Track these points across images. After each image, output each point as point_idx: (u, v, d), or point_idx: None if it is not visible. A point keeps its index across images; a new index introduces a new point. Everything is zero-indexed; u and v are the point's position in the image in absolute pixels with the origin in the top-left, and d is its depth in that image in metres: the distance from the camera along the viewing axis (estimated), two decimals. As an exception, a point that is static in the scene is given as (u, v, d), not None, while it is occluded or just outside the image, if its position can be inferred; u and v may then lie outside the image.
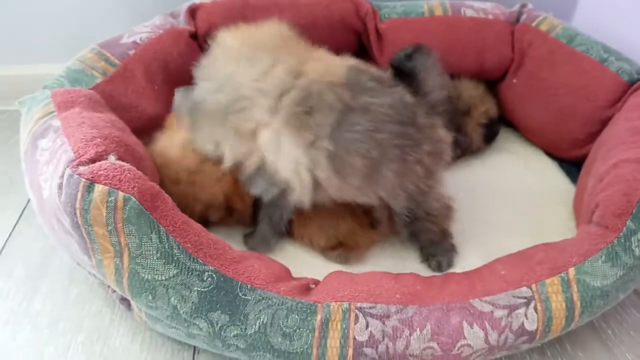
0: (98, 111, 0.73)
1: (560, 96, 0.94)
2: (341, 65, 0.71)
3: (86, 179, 0.56)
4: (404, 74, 0.73)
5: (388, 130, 0.67)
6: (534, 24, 0.98)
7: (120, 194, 0.57)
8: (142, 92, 0.88)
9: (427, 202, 0.74)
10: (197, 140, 0.75)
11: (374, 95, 0.68)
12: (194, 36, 0.96)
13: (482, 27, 0.99)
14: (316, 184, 0.70)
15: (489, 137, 0.99)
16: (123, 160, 0.63)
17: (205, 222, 0.74)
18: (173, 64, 0.91)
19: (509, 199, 0.92)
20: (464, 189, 0.93)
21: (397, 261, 0.81)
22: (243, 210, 0.80)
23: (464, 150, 0.97)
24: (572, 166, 0.97)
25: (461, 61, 1.00)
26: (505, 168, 0.99)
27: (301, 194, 0.70)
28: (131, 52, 0.88)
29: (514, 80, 1.00)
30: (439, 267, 0.79)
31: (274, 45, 0.72)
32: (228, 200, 0.78)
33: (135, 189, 0.57)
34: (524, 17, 1.00)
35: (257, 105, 0.68)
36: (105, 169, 0.57)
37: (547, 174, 0.97)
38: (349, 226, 0.79)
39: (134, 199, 0.57)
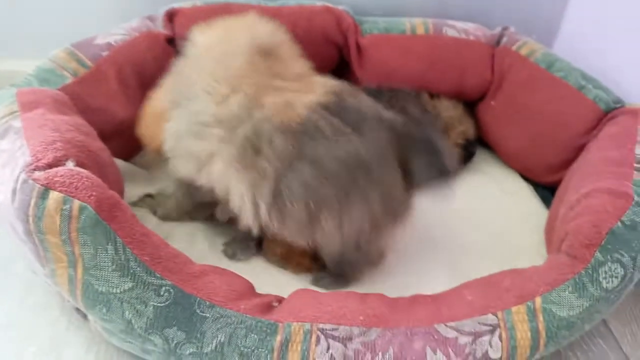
0: (64, 113, 0.70)
1: (537, 121, 0.94)
2: (304, 102, 0.67)
3: (41, 184, 0.54)
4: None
5: (333, 184, 0.65)
6: (514, 48, 0.98)
7: (76, 202, 0.54)
8: (114, 95, 0.86)
9: (362, 249, 0.72)
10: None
11: (326, 146, 0.64)
12: (171, 41, 0.94)
13: (463, 48, 0.99)
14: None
15: (466, 157, 0.99)
16: (84, 167, 0.61)
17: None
18: (147, 68, 0.89)
19: (482, 222, 0.91)
20: (437, 209, 0.93)
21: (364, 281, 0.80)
22: None
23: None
24: (547, 191, 0.97)
25: (441, 81, 0.99)
26: (481, 190, 0.98)
27: (248, 224, 0.69)
28: (104, 54, 0.86)
29: (493, 103, 1.00)
30: (325, 285, 0.77)
31: (242, 63, 0.68)
32: None
33: (93, 197, 0.55)
34: (504, 40, 1.00)
35: (212, 134, 0.66)
36: (61, 175, 0.55)
37: (522, 198, 0.97)
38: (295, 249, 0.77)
39: (90, 207, 0.55)
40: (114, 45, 0.87)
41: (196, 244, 0.81)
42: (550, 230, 0.82)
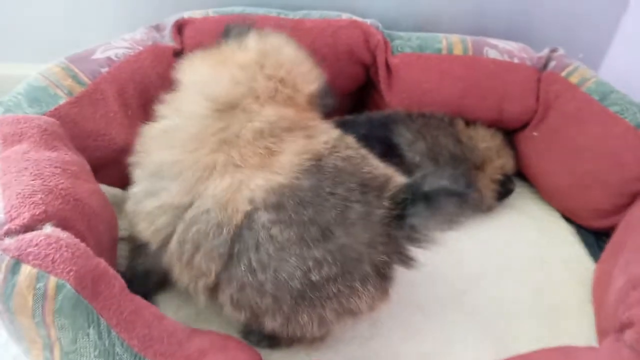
0: (51, 148, 0.61)
1: (586, 159, 0.83)
2: (251, 191, 0.55)
3: (11, 256, 0.45)
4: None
5: (274, 298, 0.55)
6: (563, 74, 0.87)
7: (52, 280, 0.45)
8: (113, 117, 0.77)
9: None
10: None
11: (268, 252, 0.53)
12: (179, 54, 0.84)
13: (505, 71, 0.88)
14: None
15: (502, 194, 0.89)
16: (67, 223, 0.52)
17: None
18: (152, 87, 0.80)
19: (519, 271, 0.81)
20: (469, 253, 0.83)
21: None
22: None
23: (473, 209, 0.86)
24: (591, 235, 0.87)
25: (479, 107, 0.89)
26: (517, 232, 0.88)
27: None
28: (104, 70, 0.77)
29: (535, 134, 0.90)
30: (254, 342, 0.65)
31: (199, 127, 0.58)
32: None
33: (72, 273, 0.46)
34: (552, 64, 0.89)
35: (167, 213, 0.57)
36: (36, 244, 0.46)
37: (564, 243, 0.87)
38: None
39: (68, 285, 0.46)
40: (115, 60, 0.78)
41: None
42: (600, 291, 0.72)
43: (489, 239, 0.86)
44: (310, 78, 0.69)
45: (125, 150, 0.76)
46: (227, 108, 0.59)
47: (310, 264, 0.53)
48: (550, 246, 0.86)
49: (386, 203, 0.56)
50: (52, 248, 0.47)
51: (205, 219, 0.54)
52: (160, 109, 0.63)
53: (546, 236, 0.88)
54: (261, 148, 0.56)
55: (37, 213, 0.50)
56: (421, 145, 0.83)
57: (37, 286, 0.45)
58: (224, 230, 0.54)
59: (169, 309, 0.69)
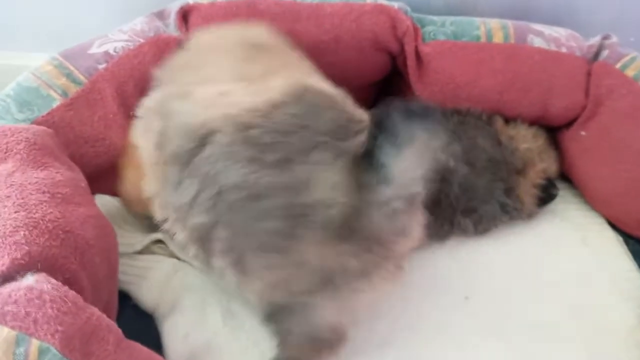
0: (40, 166, 0.54)
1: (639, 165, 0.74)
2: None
3: (-14, 317, 0.39)
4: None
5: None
6: (618, 65, 0.76)
7: (35, 343, 0.38)
8: (113, 120, 0.69)
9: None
10: None
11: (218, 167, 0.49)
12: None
13: (552, 62, 0.77)
14: None
15: (544, 200, 0.80)
16: (56, 261, 0.45)
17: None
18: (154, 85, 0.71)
19: (559, 286, 0.73)
20: (500, 266, 0.75)
21: None
22: None
23: (511, 216, 0.78)
24: (640, 246, 0.78)
25: (520, 103, 0.79)
26: (558, 241, 0.79)
27: None
28: (101, 67, 0.69)
29: (583, 133, 0.80)
30: None
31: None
32: None
33: (58, 334, 0.39)
34: (605, 53, 0.78)
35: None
36: (15, 301, 0.39)
37: (611, 256, 0.78)
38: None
39: (54, 349, 0.39)
40: (114, 55, 0.70)
41: (207, 316, 0.65)
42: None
43: (524, 249, 0.78)
44: None
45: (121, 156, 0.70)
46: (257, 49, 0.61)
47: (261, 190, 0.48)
48: (594, 258, 0.77)
49: (352, 144, 0.51)
50: (34, 305, 0.40)
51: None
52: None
53: (590, 246, 0.79)
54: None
55: (18, 257, 0.43)
56: (456, 147, 0.74)
57: (17, 351, 0.38)
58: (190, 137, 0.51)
59: (175, 337, 0.63)
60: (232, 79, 0.55)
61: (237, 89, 0.53)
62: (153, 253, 0.71)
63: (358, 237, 0.50)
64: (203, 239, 0.51)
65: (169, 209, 0.54)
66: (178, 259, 0.71)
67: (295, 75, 0.56)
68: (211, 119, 0.50)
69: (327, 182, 0.49)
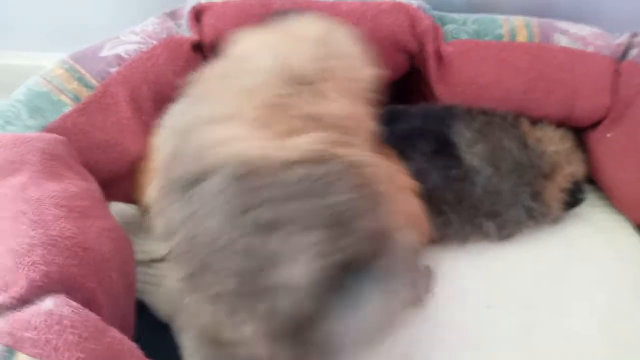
0: (55, 177, 0.52)
1: (669, 167, 0.71)
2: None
3: (4, 344, 0.37)
4: None
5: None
6: (647, 65, 0.74)
7: (55, 372, 0.37)
8: (126, 125, 0.67)
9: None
10: None
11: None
12: (198, 47, 0.73)
13: (578, 62, 0.75)
14: None
15: (571, 204, 0.77)
16: (75, 281, 0.43)
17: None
18: (167, 87, 0.69)
19: (586, 295, 0.71)
20: (523, 273, 0.73)
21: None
22: None
23: (537, 221, 0.75)
24: (669, 252, 0.76)
25: (545, 104, 0.77)
26: (583, 247, 0.77)
27: None
28: (113, 71, 0.67)
29: (609, 135, 0.77)
30: None
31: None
32: None
33: (80, 361, 0.38)
34: (634, 52, 0.75)
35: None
36: (35, 327, 0.38)
37: (638, 262, 0.76)
38: None
39: (75, 379, 0.37)
40: (126, 58, 0.68)
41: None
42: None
43: (549, 255, 0.76)
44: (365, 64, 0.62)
45: (140, 160, 0.68)
46: (297, 82, 0.54)
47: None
48: (623, 266, 0.75)
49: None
50: (54, 331, 0.38)
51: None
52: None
53: (617, 253, 0.76)
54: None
55: (36, 278, 0.41)
56: (482, 147, 0.71)
57: (36, 382, 0.37)
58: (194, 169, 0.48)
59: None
60: (256, 120, 0.51)
61: (257, 134, 0.49)
62: (169, 261, 0.69)
63: (306, 346, 0.43)
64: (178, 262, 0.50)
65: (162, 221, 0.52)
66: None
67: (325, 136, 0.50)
68: (217, 158, 0.47)
69: (298, 272, 0.42)
